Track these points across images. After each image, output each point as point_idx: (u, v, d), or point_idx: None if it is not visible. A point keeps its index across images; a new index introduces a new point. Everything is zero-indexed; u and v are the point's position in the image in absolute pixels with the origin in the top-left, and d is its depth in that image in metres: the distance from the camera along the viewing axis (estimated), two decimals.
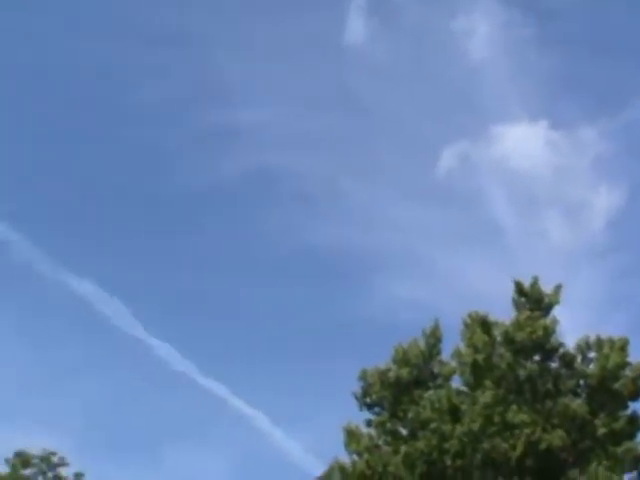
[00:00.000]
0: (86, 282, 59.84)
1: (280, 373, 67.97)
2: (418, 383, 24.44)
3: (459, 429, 22.29)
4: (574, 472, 21.88)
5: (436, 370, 24.79)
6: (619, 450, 22.20)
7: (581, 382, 23.68)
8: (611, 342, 23.49)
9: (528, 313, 23.68)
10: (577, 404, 22.70)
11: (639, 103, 61.19)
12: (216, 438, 62.89)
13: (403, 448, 22.78)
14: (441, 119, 63.00)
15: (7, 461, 35.68)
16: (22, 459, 35.71)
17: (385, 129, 64.62)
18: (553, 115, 60.86)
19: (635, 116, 59.06)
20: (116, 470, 53.65)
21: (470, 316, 24.08)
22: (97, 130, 68.38)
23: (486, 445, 22.13)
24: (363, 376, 24.96)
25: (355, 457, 23.78)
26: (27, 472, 35.74)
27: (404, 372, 24.39)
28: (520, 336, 23.18)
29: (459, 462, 22.29)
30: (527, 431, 21.78)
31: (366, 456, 23.32)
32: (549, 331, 23.52)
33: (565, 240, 55.80)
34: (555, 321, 23.81)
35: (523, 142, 56.11)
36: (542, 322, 23.50)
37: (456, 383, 24.26)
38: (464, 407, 22.82)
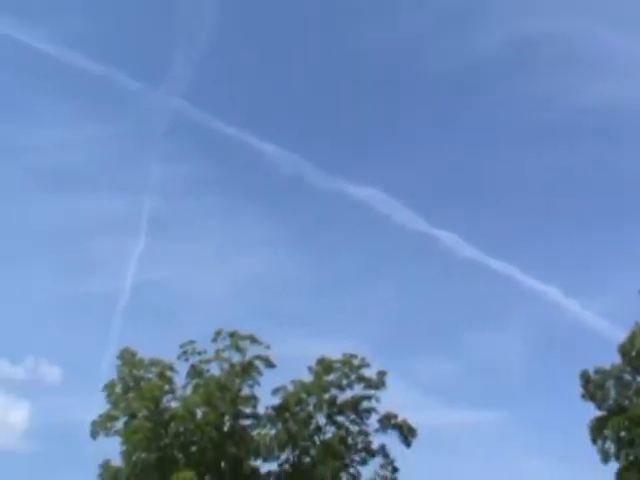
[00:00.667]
0: (364, 188, 61.15)
1: (569, 244, 65.22)
2: None
3: None
4: None
5: None
6: None
7: None
8: None
9: None
10: None
11: None
12: (511, 318, 62.54)
13: None
14: None
15: (310, 369, 37.17)
16: (324, 365, 37.14)
17: None
18: None
19: None
20: (416, 363, 54.89)
21: None
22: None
23: None
24: None
25: None
26: (330, 377, 37.01)
27: None
28: None
29: None
30: None
31: None
32: None
33: None
34: None
35: None
36: None
37: None
38: None
